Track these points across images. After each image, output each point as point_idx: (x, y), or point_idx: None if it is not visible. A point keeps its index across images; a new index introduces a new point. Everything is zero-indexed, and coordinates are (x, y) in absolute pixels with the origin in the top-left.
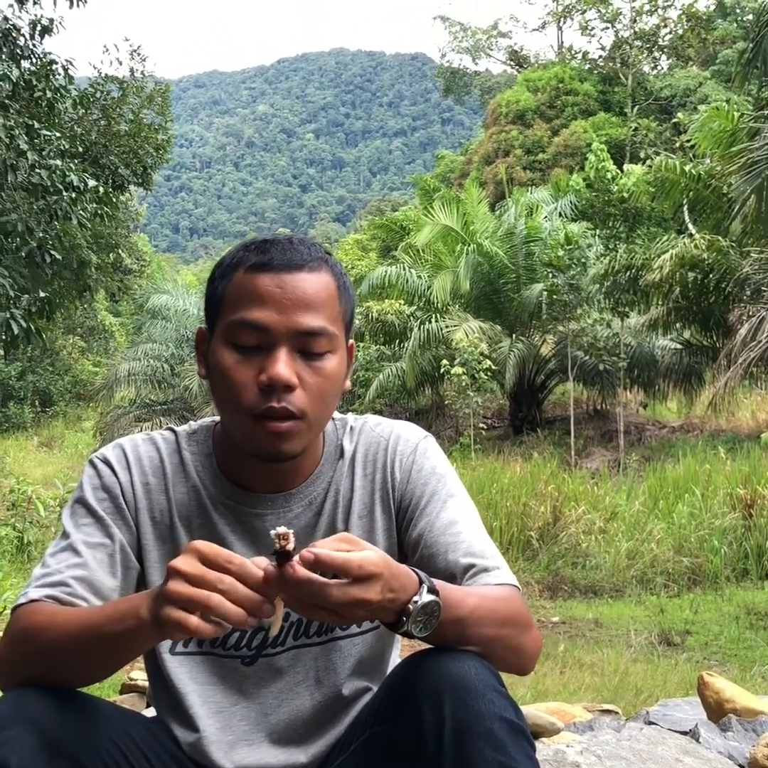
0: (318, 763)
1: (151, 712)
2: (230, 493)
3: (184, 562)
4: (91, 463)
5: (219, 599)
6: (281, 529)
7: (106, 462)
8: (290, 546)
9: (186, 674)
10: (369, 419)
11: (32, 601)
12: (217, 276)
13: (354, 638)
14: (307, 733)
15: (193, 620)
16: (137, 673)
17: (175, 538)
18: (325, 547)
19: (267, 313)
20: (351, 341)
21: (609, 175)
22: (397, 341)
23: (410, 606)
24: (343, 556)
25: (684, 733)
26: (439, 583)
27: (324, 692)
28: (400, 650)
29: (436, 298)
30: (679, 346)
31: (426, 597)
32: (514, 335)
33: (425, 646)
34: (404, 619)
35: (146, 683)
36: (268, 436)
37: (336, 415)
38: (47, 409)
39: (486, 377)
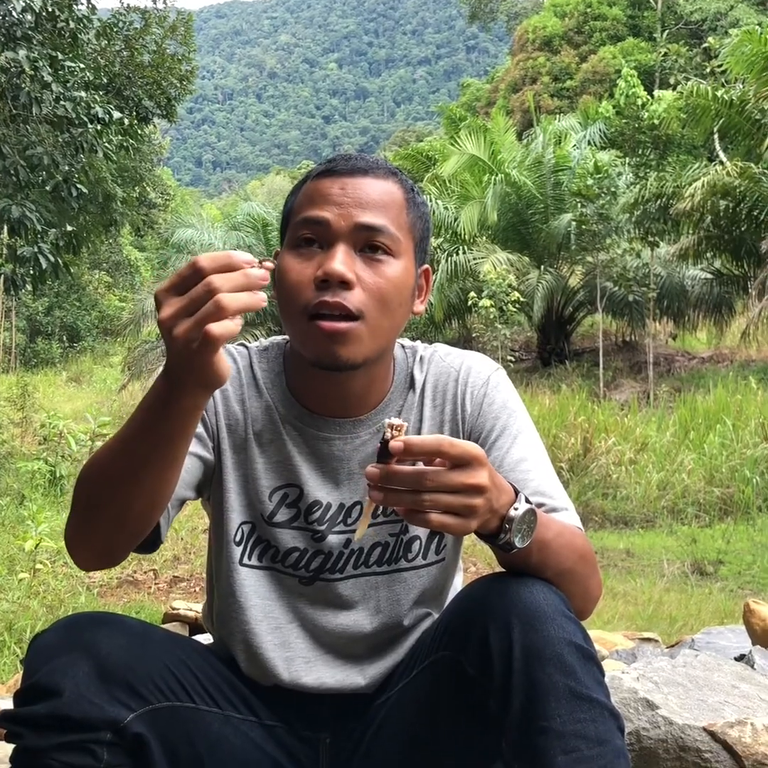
0: (377, 686)
1: (199, 639)
2: (298, 415)
3: (163, 283)
4: None
5: (219, 282)
6: (396, 420)
7: None
8: (403, 438)
9: (250, 588)
10: (439, 348)
11: None
12: (290, 194)
13: (419, 570)
14: (364, 656)
15: (198, 316)
16: (180, 603)
17: (247, 449)
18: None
19: (326, 208)
20: (426, 266)
21: (639, 102)
22: None
23: (511, 512)
24: (432, 437)
25: (732, 660)
26: None
27: (383, 621)
28: (462, 579)
29: (464, 229)
30: (709, 276)
31: (525, 505)
32: (542, 267)
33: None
34: (507, 526)
35: (189, 613)
36: (323, 338)
37: (405, 342)
38: (75, 345)
39: (514, 309)
